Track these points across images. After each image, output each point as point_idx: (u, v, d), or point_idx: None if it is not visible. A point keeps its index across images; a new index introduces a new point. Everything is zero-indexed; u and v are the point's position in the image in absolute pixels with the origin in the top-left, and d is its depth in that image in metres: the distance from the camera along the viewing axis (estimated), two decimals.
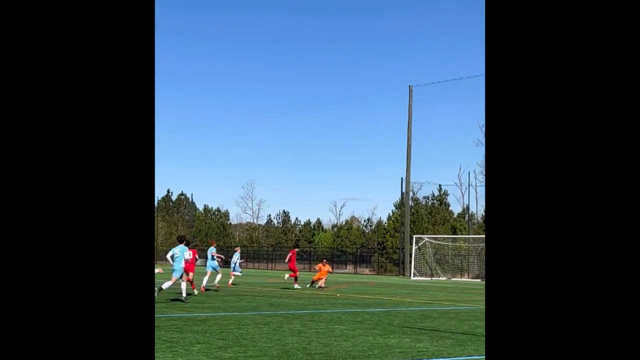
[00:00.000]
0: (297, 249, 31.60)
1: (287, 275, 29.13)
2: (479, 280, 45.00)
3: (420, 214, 60.38)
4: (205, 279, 23.85)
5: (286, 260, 29.66)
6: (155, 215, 68.80)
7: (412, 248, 48.00)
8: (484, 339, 11.85)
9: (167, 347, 9.35)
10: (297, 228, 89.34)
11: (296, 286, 27.73)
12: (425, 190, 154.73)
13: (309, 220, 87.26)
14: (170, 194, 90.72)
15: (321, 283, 28.46)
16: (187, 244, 18.66)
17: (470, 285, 36.15)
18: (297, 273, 28.76)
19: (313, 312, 16.24)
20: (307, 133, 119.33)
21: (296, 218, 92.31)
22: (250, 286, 28.54)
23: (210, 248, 24.73)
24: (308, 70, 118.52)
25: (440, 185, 63.77)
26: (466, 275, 49.47)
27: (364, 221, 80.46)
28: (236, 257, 27.36)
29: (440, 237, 51.83)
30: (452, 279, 47.48)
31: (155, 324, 11.00)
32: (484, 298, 25.32)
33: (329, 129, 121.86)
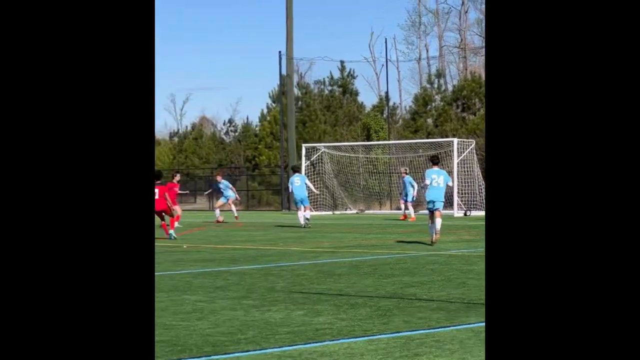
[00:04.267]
0: None
1: None
2: (401, 210, 38.85)
3: (313, 110, 56.78)
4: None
5: None
6: None
7: (300, 165, 43.58)
8: (416, 305, 12.03)
9: None
10: None
11: None
12: (318, 72, 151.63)
13: None
14: None
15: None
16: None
17: (393, 218, 36.21)
18: None
19: None
20: None
21: None
22: None
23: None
24: None
25: (342, 63, 60.65)
26: (388, 205, 46.68)
27: (223, 125, 73.62)
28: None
29: (345, 146, 47.40)
30: (366, 211, 45.45)
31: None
32: (416, 237, 25.35)
33: None
